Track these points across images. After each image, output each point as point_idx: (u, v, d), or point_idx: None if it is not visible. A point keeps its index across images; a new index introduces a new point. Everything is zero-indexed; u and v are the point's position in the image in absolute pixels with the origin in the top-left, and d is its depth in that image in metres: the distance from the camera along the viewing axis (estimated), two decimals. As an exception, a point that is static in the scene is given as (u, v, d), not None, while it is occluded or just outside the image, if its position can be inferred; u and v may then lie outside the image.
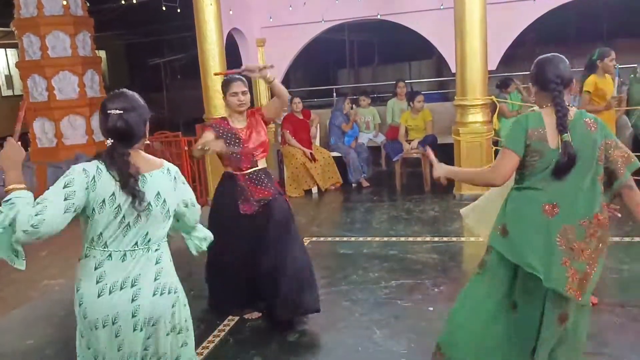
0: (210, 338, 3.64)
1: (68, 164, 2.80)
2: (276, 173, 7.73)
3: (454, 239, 5.35)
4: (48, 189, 1.95)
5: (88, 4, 8.31)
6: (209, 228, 2.50)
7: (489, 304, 2.49)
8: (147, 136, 2.17)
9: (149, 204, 2.06)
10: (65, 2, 7.60)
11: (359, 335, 3.58)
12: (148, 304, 2.09)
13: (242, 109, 3.66)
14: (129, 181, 2.00)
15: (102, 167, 2.00)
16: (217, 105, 7.04)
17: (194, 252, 2.46)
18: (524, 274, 2.37)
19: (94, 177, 1.97)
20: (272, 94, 3.68)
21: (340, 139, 8.15)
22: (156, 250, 2.14)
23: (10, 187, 1.90)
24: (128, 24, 14.90)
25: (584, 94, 4.61)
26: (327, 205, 7.25)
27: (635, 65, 7.11)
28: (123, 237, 2.04)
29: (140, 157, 2.12)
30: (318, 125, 8.41)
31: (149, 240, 2.10)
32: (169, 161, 2.26)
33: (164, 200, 2.12)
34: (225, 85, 3.67)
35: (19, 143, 2.02)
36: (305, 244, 4.54)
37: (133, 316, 2.07)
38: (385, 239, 5.48)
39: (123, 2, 8.89)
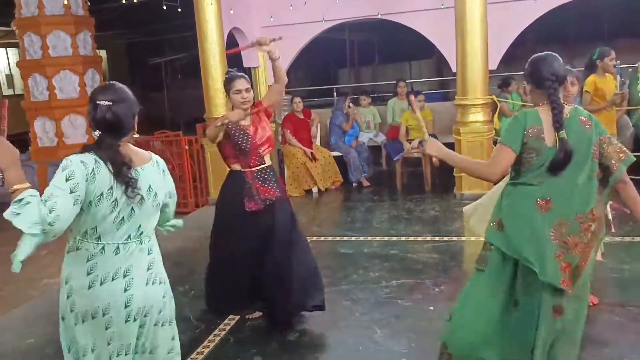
0: (210, 337, 3.64)
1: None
2: (277, 173, 7.71)
3: (455, 238, 5.35)
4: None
5: (89, 4, 8.33)
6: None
7: (491, 303, 2.50)
8: (136, 129, 2.15)
9: (142, 197, 2.06)
10: (66, 2, 7.62)
11: (360, 334, 3.58)
12: (141, 294, 2.08)
13: (245, 106, 3.67)
14: (122, 169, 1.99)
15: (100, 160, 1.99)
16: (217, 104, 7.06)
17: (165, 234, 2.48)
18: (524, 269, 2.39)
19: (93, 170, 1.96)
20: (273, 72, 3.71)
21: (341, 139, 8.15)
22: (148, 241, 2.15)
23: (16, 187, 1.84)
24: (129, 23, 14.88)
25: (585, 94, 4.60)
26: (327, 205, 7.25)
27: (637, 64, 7.09)
28: (117, 230, 2.04)
29: (129, 150, 2.12)
30: (318, 124, 8.41)
31: (141, 233, 2.11)
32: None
33: (155, 193, 2.13)
34: (228, 83, 3.68)
35: (10, 143, 1.94)
36: (306, 243, 4.55)
37: (126, 306, 2.05)
38: (386, 238, 5.48)
39: (124, 1, 8.87)
